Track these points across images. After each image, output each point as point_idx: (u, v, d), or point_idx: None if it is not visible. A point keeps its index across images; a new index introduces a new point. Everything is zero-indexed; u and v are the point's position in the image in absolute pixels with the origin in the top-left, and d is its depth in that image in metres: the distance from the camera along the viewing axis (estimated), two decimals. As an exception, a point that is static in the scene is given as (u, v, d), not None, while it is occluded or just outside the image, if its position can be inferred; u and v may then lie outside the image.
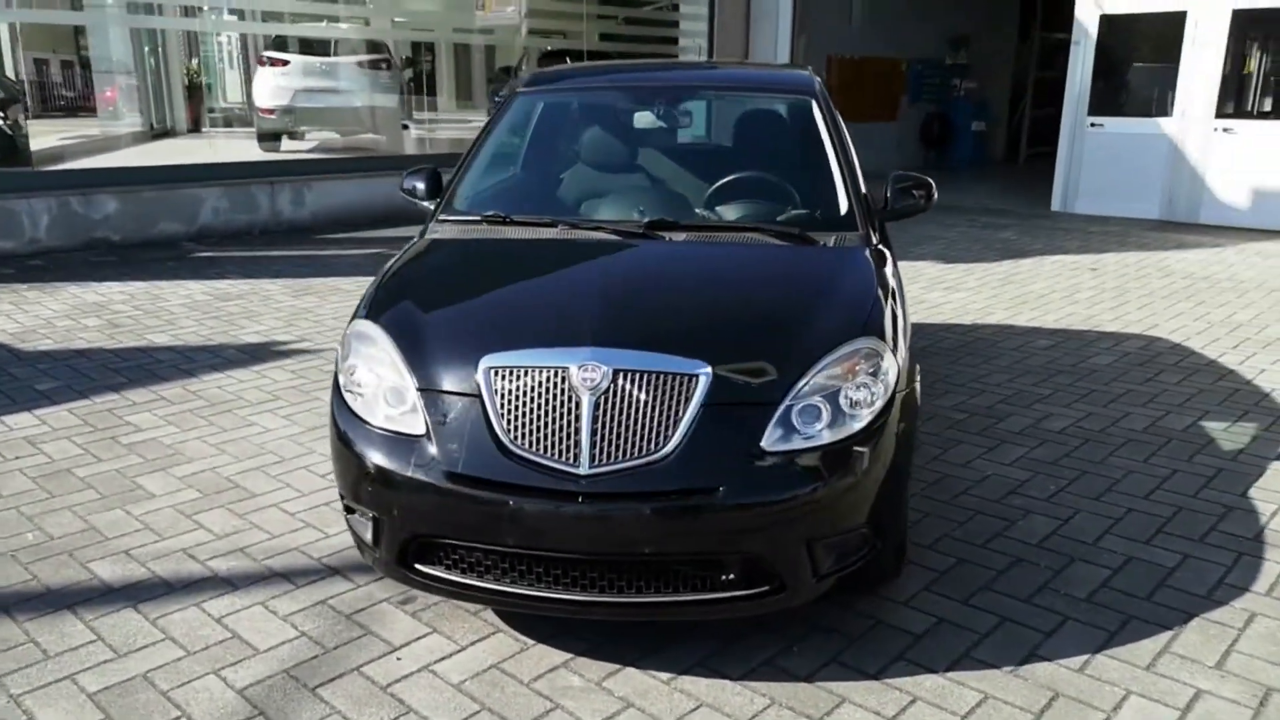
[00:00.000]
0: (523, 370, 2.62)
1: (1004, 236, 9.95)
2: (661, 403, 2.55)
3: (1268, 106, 10.61)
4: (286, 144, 12.29)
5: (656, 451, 2.51)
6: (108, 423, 4.55)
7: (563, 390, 2.58)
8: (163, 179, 9.14)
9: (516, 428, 2.57)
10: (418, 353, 2.78)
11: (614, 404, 2.55)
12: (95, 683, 2.64)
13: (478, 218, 3.51)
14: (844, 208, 3.48)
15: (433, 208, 3.71)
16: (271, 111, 12.07)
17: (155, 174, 9.17)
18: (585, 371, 2.57)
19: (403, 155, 11.89)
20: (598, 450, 2.52)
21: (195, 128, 13.48)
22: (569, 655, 2.78)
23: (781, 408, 2.58)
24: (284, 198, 9.79)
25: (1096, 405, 4.87)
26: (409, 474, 2.61)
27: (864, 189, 3.57)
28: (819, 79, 3.95)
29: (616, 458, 2.52)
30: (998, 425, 4.59)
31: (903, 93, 16.10)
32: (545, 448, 2.54)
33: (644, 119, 4.09)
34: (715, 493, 2.50)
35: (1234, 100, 10.59)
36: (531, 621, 2.92)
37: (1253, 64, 10.63)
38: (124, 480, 3.93)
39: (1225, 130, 10.45)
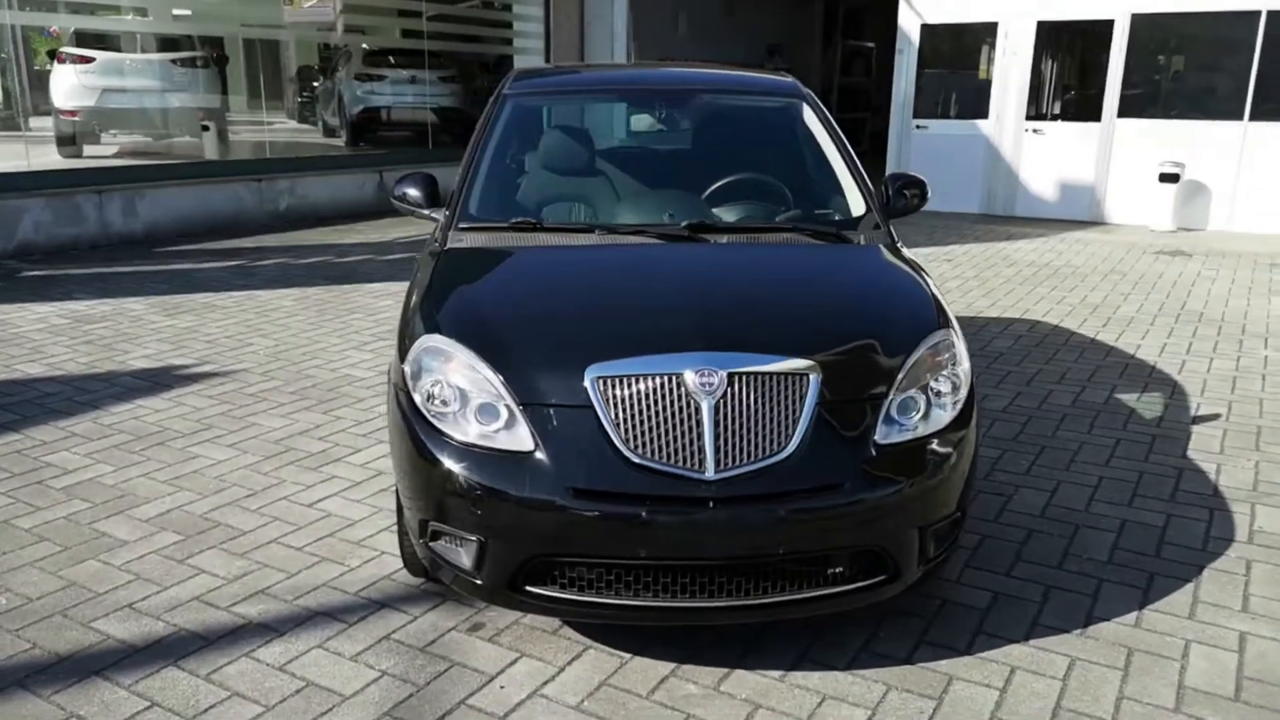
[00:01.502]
0: (635, 379, 2.56)
1: (852, 232, 10.50)
2: (777, 403, 2.56)
3: (1069, 109, 11.77)
4: (89, 149, 11.24)
5: (780, 452, 2.53)
6: (24, 465, 4.04)
7: (679, 396, 2.54)
8: (-27, 190, 8.15)
9: (635, 437, 2.51)
10: (506, 365, 2.65)
11: (732, 407, 2.54)
12: (179, 752, 2.37)
13: (504, 224, 3.37)
14: (862, 208, 3.61)
15: (439, 216, 3.52)
16: (74, 113, 10.98)
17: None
18: (702, 376, 2.54)
19: (251, 160, 11.09)
20: (721, 455, 2.50)
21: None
22: (673, 664, 2.74)
23: (886, 402, 2.66)
24: (114, 208, 8.96)
25: (1020, 385, 5.27)
26: (526, 493, 2.50)
27: (872, 189, 3.72)
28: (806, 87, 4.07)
29: (741, 461, 2.51)
30: (946, 409, 4.87)
31: (725, 95, 16.68)
32: (668, 455, 2.50)
33: (643, 121, 4.06)
34: (841, 488, 2.54)
35: (1042, 104, 11.68)
36: (619, 634, 2.85)
37: (1056, 70, 11.75)
38: (81, 528, 3.51)
39: (1034, 131, 11.50)
